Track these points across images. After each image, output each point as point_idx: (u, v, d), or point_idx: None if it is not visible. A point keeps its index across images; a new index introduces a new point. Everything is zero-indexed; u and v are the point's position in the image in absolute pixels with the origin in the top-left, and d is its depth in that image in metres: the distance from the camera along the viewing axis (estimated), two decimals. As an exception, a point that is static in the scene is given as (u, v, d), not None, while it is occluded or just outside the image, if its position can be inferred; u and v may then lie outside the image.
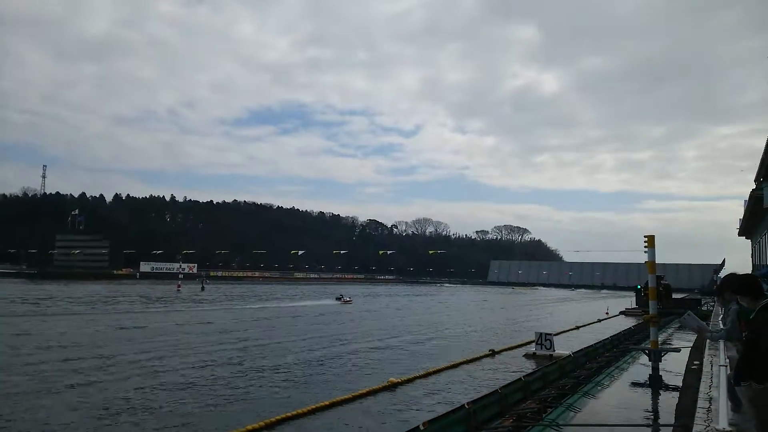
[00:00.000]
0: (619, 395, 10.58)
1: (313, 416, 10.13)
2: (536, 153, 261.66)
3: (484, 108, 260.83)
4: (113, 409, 10.18)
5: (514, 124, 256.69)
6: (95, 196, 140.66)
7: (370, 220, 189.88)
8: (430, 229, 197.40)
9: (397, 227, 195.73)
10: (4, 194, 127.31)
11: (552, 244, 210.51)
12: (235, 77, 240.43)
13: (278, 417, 9.73)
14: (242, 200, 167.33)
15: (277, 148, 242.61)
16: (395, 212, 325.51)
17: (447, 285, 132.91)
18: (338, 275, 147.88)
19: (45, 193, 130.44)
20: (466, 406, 8.10)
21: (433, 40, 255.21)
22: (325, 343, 20.32)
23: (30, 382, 12.21)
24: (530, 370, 13.50)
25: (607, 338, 19.02)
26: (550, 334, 18.15)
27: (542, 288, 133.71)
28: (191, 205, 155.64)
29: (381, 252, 67.98)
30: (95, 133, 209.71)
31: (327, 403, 10.88)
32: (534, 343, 18.44)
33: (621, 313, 40.80)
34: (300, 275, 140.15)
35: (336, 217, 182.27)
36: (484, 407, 8.61)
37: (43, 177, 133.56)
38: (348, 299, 46.71)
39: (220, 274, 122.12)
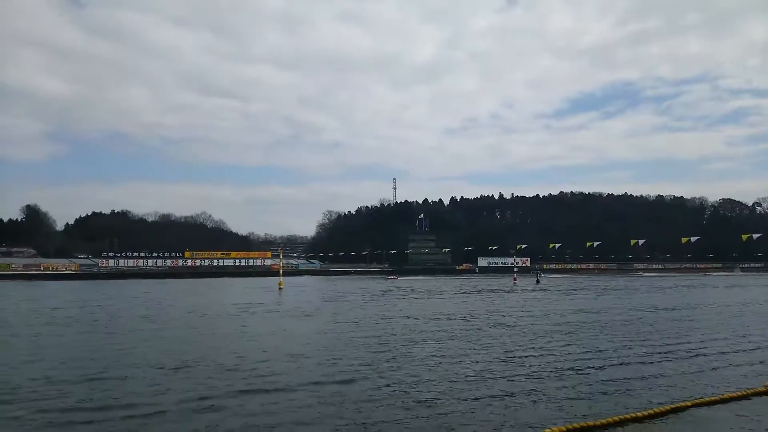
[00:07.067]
0: None
1: (675, 416, 8.84)
2: None
3: None
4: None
5: None
6: (435, 201, 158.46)
7: (723, 199, 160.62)
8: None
9: (761, 205, 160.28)
10: (366, 206, 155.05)
11: None
12: (551, 69, 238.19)
13: (629, 415, 8.82)
14: (568, 191, 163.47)
15: (600, 134, 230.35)
16: (757, 187, 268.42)
17: None
18: (687, 264, 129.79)
19: (396, 202, 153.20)
20: None
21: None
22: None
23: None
24: None
25: None
26: None
27: None
28: (518, 201, 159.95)
29: (745, 236, 55.58)
30: (430, 146, 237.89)
31: (688, 404, 9.39)
32: None
33: None
34: (640, 266, 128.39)
35: (678, 200, 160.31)
36: None
37: (394, 189, 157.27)
38: None
39: (553, 266, 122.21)
